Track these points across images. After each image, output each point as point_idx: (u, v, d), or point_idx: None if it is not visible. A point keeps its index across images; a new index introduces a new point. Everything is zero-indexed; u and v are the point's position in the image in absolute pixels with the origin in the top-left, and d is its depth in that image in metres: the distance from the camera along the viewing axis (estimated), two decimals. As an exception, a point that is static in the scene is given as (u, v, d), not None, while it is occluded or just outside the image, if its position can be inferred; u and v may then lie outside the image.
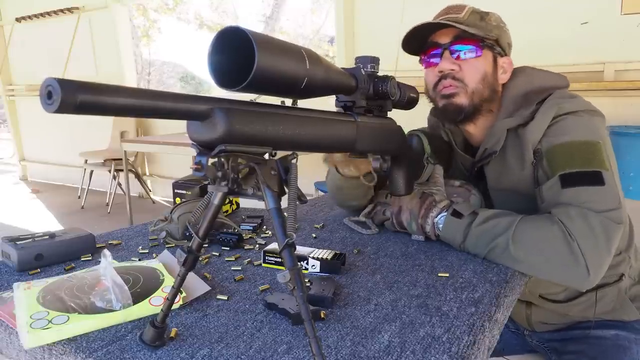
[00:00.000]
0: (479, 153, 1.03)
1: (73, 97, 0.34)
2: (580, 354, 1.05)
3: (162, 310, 0.57)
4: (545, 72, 1.02)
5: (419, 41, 1.00)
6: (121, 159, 4.02)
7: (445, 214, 0.93)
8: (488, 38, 0.95)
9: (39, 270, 0.82)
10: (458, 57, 0.96)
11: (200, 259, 0.85)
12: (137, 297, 0.67)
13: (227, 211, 1.22)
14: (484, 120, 1.01)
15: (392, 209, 1.01)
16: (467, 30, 0.92)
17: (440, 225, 0.93)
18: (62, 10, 5.16)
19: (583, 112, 0.92)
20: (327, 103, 0.67)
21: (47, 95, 0.34)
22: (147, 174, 5.23)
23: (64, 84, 0.34)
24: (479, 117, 1.00)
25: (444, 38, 0.96)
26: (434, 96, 1.01)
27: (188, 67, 11.85)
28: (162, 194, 5.09)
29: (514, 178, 0.97)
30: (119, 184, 4.63)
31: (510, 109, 0.98)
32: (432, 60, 0.99)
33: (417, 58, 1.05)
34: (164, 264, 0.81)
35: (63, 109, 0.34)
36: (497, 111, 1.01)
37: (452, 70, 0.95)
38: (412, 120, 1.25)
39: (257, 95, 0.52)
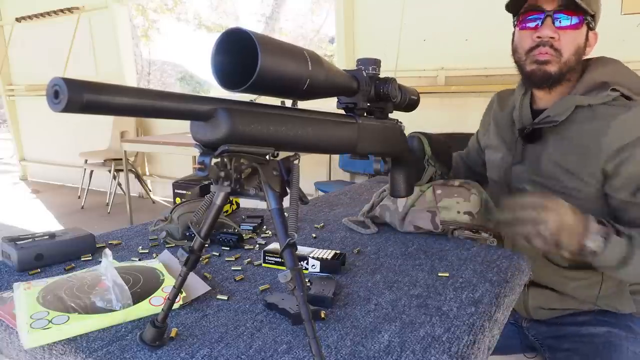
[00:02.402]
0: (541, 117, 1.04)
1: (79, 97, 0.34)
2: (573, 351, 1.06)
3: (162, 309, 0.57)
4: (634, 74, 1.04)
5: (518, 2, 1.01)
6: (121, 159, 4.02)
7: (604, 230, 0.89)
8: (589, 12, 0.97)
9: (39, 270, 0.82)
10: (560, 25, 0.97)
11: (200, 258, 0.85)
12: (137, 297, 0.67)
13: (227, 211, 1.23)
14: (561, 88, 1.04)
15: (545, 227, 0.85)
16: (578, 2, 0.93)
17: (598, 244, 0.88)
18: (62, 10, 5.15)
19: None
20: (329, 104, 0.67)
21: (53, 95, 0.35)
22: (147, 174, 5.23)
23: (71, 83, 0.34)
24: (559, 85, 1.03)
25: (548, 4, 0.97)
26: (525, 59, 1.02)
27: (187, 67, 11.86)
28: (162, 194, 5.09)
29: (577, 156, 0.99)
30: (119, 184, 4.62)
31: (586, 88, 1.01)
32: (529, 24, 1.00)
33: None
34: (164, 264, 0.81)
35: (69, 108, 0.34)
36: (573, 83, 1.03)
37: (552, 38, 0.97)
38: (413, 122, 1.25)
39: (257, 95, 0.52)
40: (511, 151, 1.12)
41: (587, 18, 0.98)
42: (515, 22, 1.04)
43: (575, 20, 0.97)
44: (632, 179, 0.93)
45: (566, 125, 1.00)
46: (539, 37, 0.98)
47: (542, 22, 0.97)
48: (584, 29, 0.99)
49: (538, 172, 1.05)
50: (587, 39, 1.01)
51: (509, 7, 1.03)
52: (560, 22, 0.97)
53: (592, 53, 1.05)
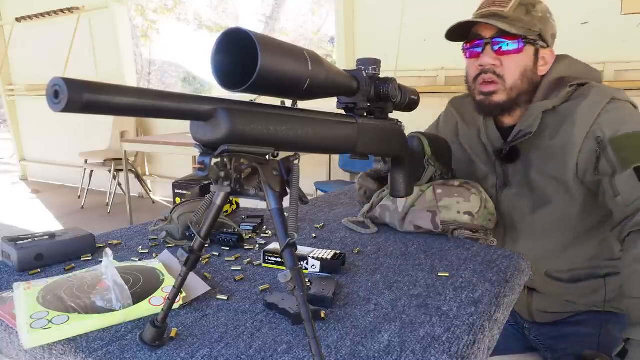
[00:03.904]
0: (513, 134, 1.03)
1: (79, 97, 0.34)
2: (574, 351, 1.06)
3: (162, 309, 0.57)
4: (584, 64, 1.05)
5: (463, 31, 1.02)
6: (121, 159, 4.02)
7: None
8: (530, 34, 0.96)
9: (39, 270, 0.82)
10: (499, 51, 0.97)
11: (200, 258, 0.85)
12: (137, 297, 0.67)
13: (227, 211, 1.23)
14: (521, 110, 1.03)
15: None
16: (508, 30, 0.93)
17: None
18: (62, 10, 5.15)
19: (630, 103, 0.96)
20: (329, 104, 0.67)
21: (53, 95, 0.35)
22: (147, 174, 5.23)
23: (71, 83, 0.34)
24: (517, 109, 1.02)
25: (486, 32, 0.98)
26: (473, 88, 1.03)
27: (188, 68, 11.87)
28: (162, 194, 5.09)
29: (558, 160, 0.98)
30: (119, 184, 4.63)
31: (545, 93, 1.00)
32: (474, 50, 1.01)
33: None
34: (164, 264, 0.81)
35: (69, 108, 0.34)
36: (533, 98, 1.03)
37: (493, 65, 0.98)
38: (413, 122, 1.25)
39: (257, 95, 0.52)
40: (494, 175, 1.10)
41: (528, 40, 0.96)
42: (463, 51, 1.05)
43: (514, 43, 0.96)
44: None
45: (539, 133, 0.99)
46: (480, 65, 0.99)
47: (483, 50, 0.98)
48: (529, 50, 0.98)
49: (530, 193, 1.03)
50: (537, 59, 0.99)
51: (451, 37, 1.03)
52: (501, 47, 0.96)
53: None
